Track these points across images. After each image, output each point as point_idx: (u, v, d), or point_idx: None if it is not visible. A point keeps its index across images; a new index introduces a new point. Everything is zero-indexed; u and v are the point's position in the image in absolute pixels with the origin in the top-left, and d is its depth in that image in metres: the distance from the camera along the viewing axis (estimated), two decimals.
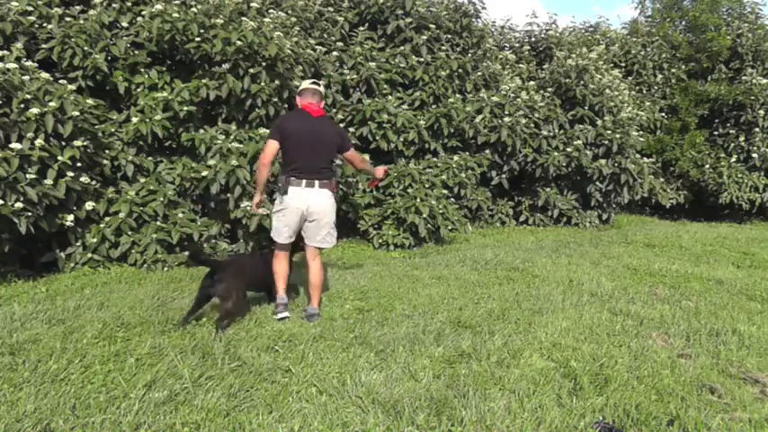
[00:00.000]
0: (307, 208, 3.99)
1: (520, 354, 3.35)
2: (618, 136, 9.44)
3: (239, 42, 6.38)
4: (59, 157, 5.24)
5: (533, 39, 11.91)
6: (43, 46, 6.08)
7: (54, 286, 4.98)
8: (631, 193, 10.21)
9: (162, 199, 5.92)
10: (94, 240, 5.57)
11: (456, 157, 8.47)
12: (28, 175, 4.94)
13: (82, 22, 6.20)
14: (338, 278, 5.18)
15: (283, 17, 7.26)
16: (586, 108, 9.76)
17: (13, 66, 5.24)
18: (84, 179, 5.46)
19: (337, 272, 5.54)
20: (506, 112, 9.01)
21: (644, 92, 12.85)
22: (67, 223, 5.39)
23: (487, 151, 9.01)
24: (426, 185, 7.65)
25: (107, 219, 5.69)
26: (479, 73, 9.44)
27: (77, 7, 6.51)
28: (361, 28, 8.77)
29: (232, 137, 6.48)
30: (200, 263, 4.34)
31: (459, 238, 8.02)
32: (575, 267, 5.91)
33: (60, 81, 5.74)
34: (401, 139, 8.10)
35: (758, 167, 11.29)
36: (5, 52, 5.49)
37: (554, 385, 2.96)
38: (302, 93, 4.16)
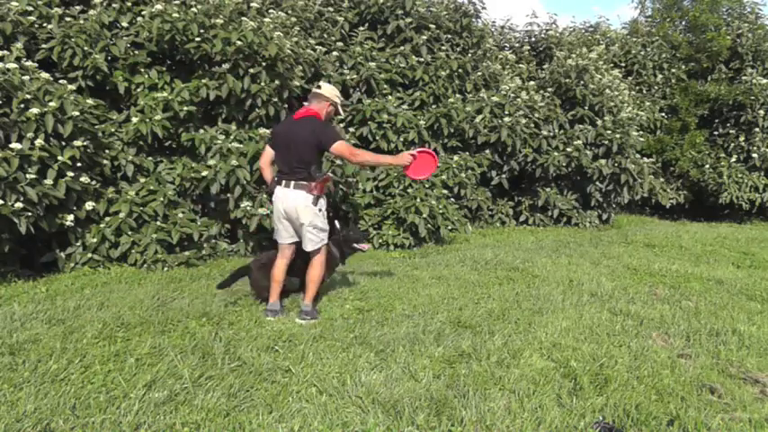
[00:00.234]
0: (284, 208, 4.01)
1: (520, 354, 3.35)
2: (618, 136, 9.44)
3: (239, 42, 6.38)
4: (59, 157, 5.24)
5: (533, 39, 11.91)
6: (43, 46, 6.09)
7: (54, 286, 4.98)
8: (631, 193, 10.21)
9: (162, 199, 5.91)
10: (94, 240, 5.57)
11: (456, 157, 8.47)
12: (28, 175, 4.94)
13: (82, 22, 6.20)
14: (338, 278, 5.18)
15: (283, 17, 7.26)
16: (586, 108, 9.76)
17: (13, 66, 5.24)
18: (84, 179, 5.46)
19: (337, 272, 5.53)
20: (506, 112, 9.01)
21: (644, 92, 12.84)
22: (67, 223, 5.39)
23: (487, 151, 9.01)
24: (426, 185, 7.65)
25: (107, 219, 5.69)
26: (479, 73, 9.44)
27: (77, 7, 6.51)
28: (361, 28, 8.77)
29: (232, 137, 6.48)
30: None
31: (459, 238, 8.01)
32: (575, 267, 5.90)
33: (60, 81, 5.74)
34: (401, 139, 8.09)
35: (758, 167, 11.28)
36: (5, 52, 5.49)
37: (554, 385, 2.96)
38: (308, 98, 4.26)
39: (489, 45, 10.19)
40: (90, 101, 5.91)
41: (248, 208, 6.23)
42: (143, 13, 6.50)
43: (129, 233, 5.68)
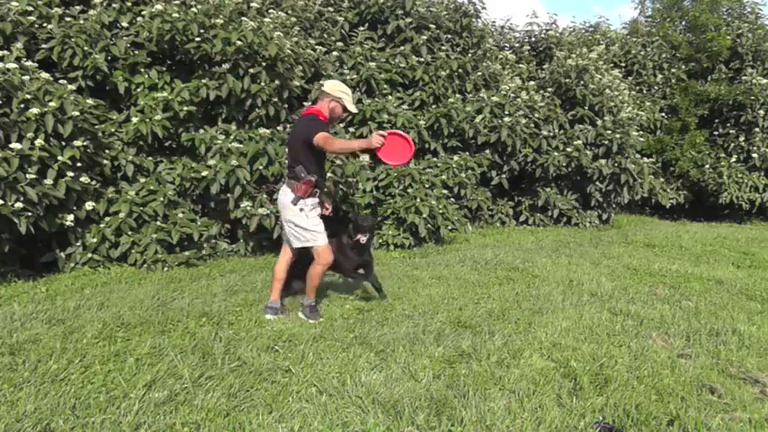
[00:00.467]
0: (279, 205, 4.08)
1: (520, 354, 3.35)
2: (618, 136, 9.44)
3: (239, 42, 6.38)
4: (59, 157, 5.25)
5: (533, 39, 11.92)
6: (43, 46, 6.09)
7: (54, 286, 4.98)
8: (631, 193, 10.21)
9: (162, 199, 5.91)
10: (94, 240, 5.57)
11: (456, 157, 8.47)
12: (28, 175, 4.94)
13: (82, 22, 6.20)
14: (338, 278, 5.18)
15: (283, 17, 7.26)
16: (586, 108, 9.76)
17: (13, 66, 5.25)
18: (84, 179, 5.46)
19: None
20: (506, 112, 9.01)
21: (644, 92, 12.85)
22: (67, 223, 5.39)
23: (487, 151, 9.00)
24: (426, 185, 7.64)
25: (107, 219, 5.69)
26: (479, 73, 9.44)
27: (77, 7, 6.51)
28: (361, 28, 8.77)
29: (232, 137, 6.48)
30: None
31: (459, 238, 8.01)
32: (575, 267, 5.91)
33: (60, 81, 5.75)
34: None
35: (758, 167, 11.29)
36: (5, 52, 5.50)
37: (554, 385, 2.96)
38: None
39: (489, 45, 10.19)
40: (90, 101, 5.91)
41: (248, 208, 6.23)
42: (143, 13, 6.50)
43: (129, 233, 5.68)
